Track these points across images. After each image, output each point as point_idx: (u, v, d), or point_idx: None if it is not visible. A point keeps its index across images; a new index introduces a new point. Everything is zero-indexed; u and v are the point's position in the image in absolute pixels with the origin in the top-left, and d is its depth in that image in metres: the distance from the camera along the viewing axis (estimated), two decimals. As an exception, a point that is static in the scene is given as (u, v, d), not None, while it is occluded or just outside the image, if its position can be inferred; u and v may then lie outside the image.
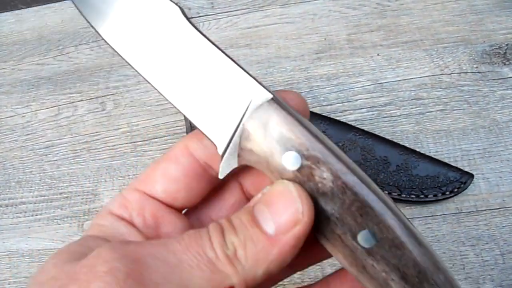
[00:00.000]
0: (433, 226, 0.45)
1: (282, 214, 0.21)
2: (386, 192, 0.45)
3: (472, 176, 0.46)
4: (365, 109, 0.51)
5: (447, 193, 0.45)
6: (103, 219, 0.25)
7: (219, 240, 0.21)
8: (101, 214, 0.26)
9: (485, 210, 0.46)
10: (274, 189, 0.22)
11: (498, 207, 0.45)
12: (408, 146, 0.48)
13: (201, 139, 0.25)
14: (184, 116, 0.49)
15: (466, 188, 0.45)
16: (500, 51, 0.53)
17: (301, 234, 0.21)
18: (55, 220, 0.51)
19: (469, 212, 0.46)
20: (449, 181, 0.45)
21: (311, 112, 0.47)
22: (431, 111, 0.50)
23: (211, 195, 0.28)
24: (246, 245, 0.21)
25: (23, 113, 0.58)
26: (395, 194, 0.45)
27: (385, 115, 0.50)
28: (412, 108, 0.51)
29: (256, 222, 0.22)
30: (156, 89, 0.26)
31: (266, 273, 0.21)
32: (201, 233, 0.22)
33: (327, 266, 0.44)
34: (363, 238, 0.22)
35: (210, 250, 0.21)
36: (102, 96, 0.57)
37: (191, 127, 0.49)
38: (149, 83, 0.26)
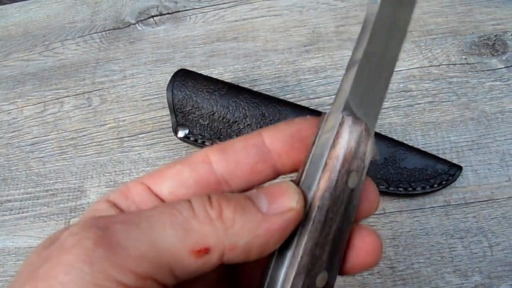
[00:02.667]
0: (421, 219, 0.45)
1: (277, 198, 0.21)
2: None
3: (460, 168, 0.45)
4: (353, 102, 0.50)
5: (435, 185, 0.45)
6: (99, 204, 0.24)
7: (202, 202, 0.20)
8: (99, 200, 0.24)
9: (473, 202, 0.45)
10: (273, 183, 0.22)
11: (486, 199, 0.45)
12: (397, 139, 0.47)
13: (224, 152, 0.24)
14: (170, 111, 0.48)
15: (454, 180, 0.45)
16: (489, 42, 0.53)
17: (292, 220, 0.21)
18: (42, 218, 0.50)
19: (458, 204, 0.45)
20: (437, 174, 0.45)
21: (299, 106, 0.47)
22: (420, 103, 0.50)
23: None
24: (236, 210, 0.20)
25: (9, 110, 0.57)
26: (383, 187, 0.45)
27: (373, 108, 0.50)
28: (400, 100, 0.50)
29: (250, 198, 0.21)
30: None
31: (247, 248, 0.20)
32: (180, 200, 0.21)
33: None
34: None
35: (187, 209, 0.20)
36: (88, 92, 0.57)
37: (177, 123, 0.48)
38: None
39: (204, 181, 0.23)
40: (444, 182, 0.45)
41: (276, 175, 0.24)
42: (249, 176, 0.24)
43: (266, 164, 0.24)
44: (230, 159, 0.23)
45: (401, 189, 0.45)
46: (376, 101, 0.24)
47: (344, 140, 0.22)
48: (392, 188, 0.45)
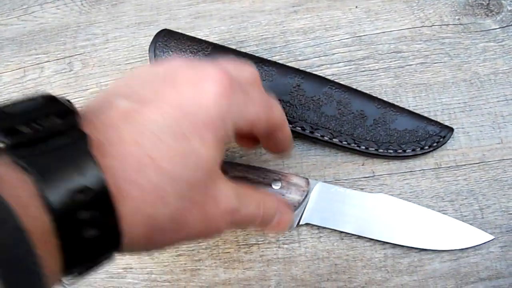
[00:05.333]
0: (412, 182, 0.44)
1: None
2: (364, 147, 0.43)
3: (451, 130, 0.44)
4: (343, 63, 0.49)
5: (426, 147, 0.44)
6: None
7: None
8: None
9: (464, 165, 0.44)
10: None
11: (478, 162, 0.44)
12: (387, 100, 0.46)
13: None
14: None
15: (445, 143, 0.44)
16: (483, 2, 0.51)
17: None
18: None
19: (449, 167, 0.44)
20: (428, 135, 0.44)
21: (285, 66, 0.45)
22: (411, 65, 0.48)
23: None
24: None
25: (-13, 76, 0.55)
26: (373, 149, 0.43)
27: (363, 69, 0.48)
28: (391, 62, 0.49)
29: None
30: None
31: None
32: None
33: (304, 227, 0.43)
34: None
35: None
36: (70, 56, 0.55)
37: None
38: None
39: None
40: (435, 144, 0.44)
41: None
42: None
43: None
44: None
45: (391, 151, 0.44)
46: None
47: None
48: (381, 150, 0.43)
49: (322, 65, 0.49)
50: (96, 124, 0.25)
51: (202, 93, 0.28)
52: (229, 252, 0.44)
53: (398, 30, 0.50)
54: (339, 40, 0.50)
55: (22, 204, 0.20)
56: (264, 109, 0.32)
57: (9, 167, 0.21)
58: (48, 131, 0.22)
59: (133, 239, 0.25)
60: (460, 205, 0.43)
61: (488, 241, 0.41)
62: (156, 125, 0.26)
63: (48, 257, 0.21)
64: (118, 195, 0.24)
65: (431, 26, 0.50)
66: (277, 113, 0.34)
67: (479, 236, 0.41)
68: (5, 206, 0.19)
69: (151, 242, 0.27)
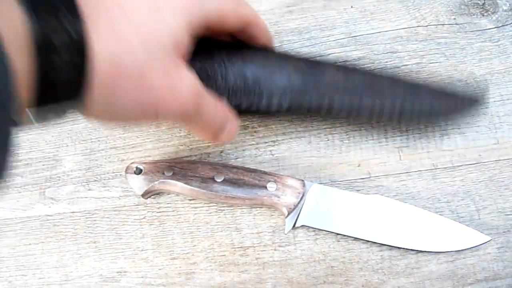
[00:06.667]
0: (408, 183, 0.44)
1: None
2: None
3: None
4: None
5: None
6: None
7: None
8: None
9: (461, 165, 0.44)
10: None
11: (474, 163, 0.44)
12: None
13: None
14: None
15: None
16: (479, 2, 0.51)
17: None
18: (16, 189, 0.49)
19: (445, 168, 0.44)
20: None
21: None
22: (407, 65, 0.48)
23: None
24: None
25: (-22, 77, 0.55)
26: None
27: (359, 70, 0.48)
28: (387, 62, 0.48)
29: None
30: None
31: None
32: None
33: (300, 229, 0.43)
34: None
35: None
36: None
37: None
38: None
39: None
40: None
41: None
42: None
43: None
44: None
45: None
46: None
47: None
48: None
49: (318, 65, 0.48)
50: None
51: None
52: (224, 255, 0.44)
53: (394, 30, 0.50)
54: (334, 40, 0.50)
55: None
56: (232, 4, 0.35)
57: None
58: None
59: (99, 78, 0.27)
60: (457, 206, 0.43)
61: (485, 242, 0.41)
62: None
63: (21, 69, 0.23)
64: (91, 28, 0.26)
65: (426, 26, 0.50)
66: (246, 8, 0.38)
67: (476, 237, 0.41)
68: None
69: (115, 93, 0.29)
